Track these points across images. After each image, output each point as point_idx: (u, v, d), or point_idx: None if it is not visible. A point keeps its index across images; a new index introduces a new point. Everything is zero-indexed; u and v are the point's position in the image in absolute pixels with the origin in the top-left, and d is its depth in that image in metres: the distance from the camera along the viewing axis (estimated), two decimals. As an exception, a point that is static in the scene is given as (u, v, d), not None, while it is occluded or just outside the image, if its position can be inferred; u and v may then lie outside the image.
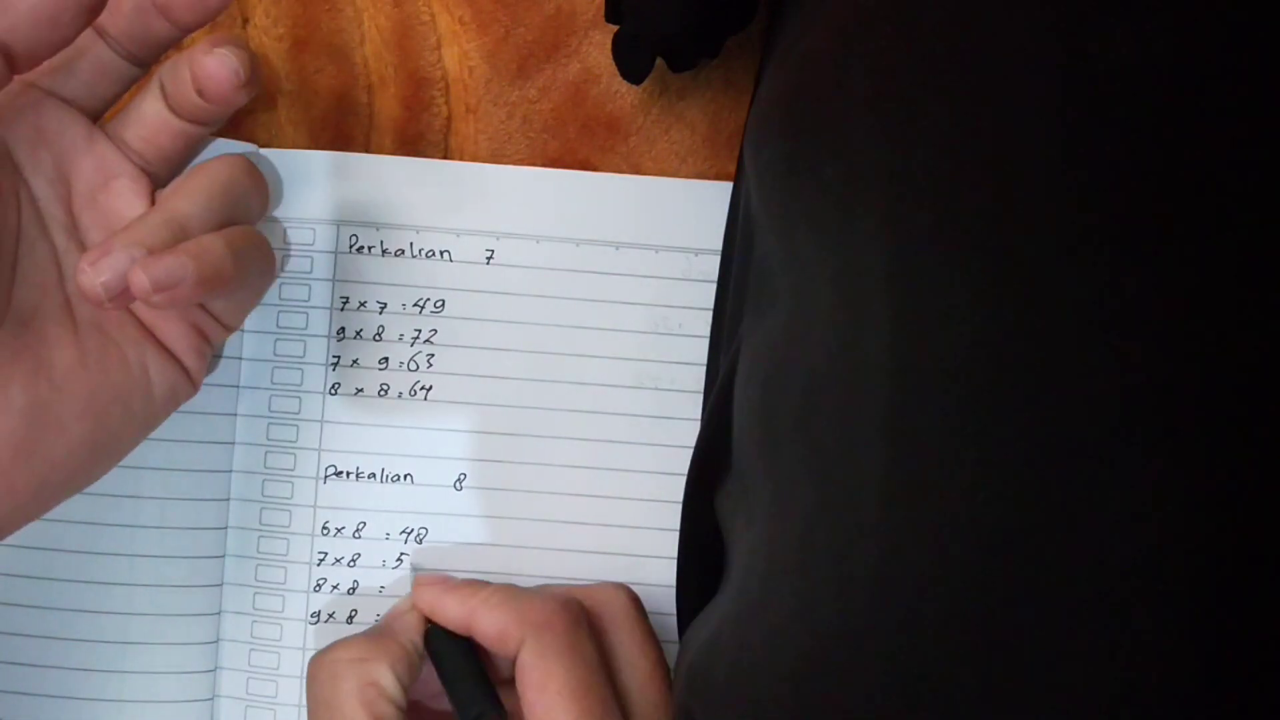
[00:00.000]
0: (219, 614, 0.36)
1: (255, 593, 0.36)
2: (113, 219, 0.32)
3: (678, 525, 0.34)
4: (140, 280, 0.27)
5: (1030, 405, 0.21)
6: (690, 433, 0.35)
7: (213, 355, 0.34)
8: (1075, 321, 0.21)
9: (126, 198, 0.32)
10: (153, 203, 0.32)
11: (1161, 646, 0.20)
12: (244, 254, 0.30)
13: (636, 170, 0.37)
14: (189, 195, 0.30)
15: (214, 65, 0.31)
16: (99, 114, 0.33)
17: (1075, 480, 0.21)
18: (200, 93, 0.31)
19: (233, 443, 0.36)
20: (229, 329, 0.33)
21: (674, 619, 0.34)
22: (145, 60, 0.32)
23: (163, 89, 0.32)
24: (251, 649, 0.36)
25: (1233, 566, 0.20)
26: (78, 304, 0.31)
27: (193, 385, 0.33)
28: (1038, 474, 0.21)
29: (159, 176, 0.33)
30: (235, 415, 0.36)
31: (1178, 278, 0.21)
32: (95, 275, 0.28)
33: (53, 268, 0.31)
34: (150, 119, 0.32)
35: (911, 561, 0.22)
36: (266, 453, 0.36)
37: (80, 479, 0.31)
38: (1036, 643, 0.21)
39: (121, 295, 0.28)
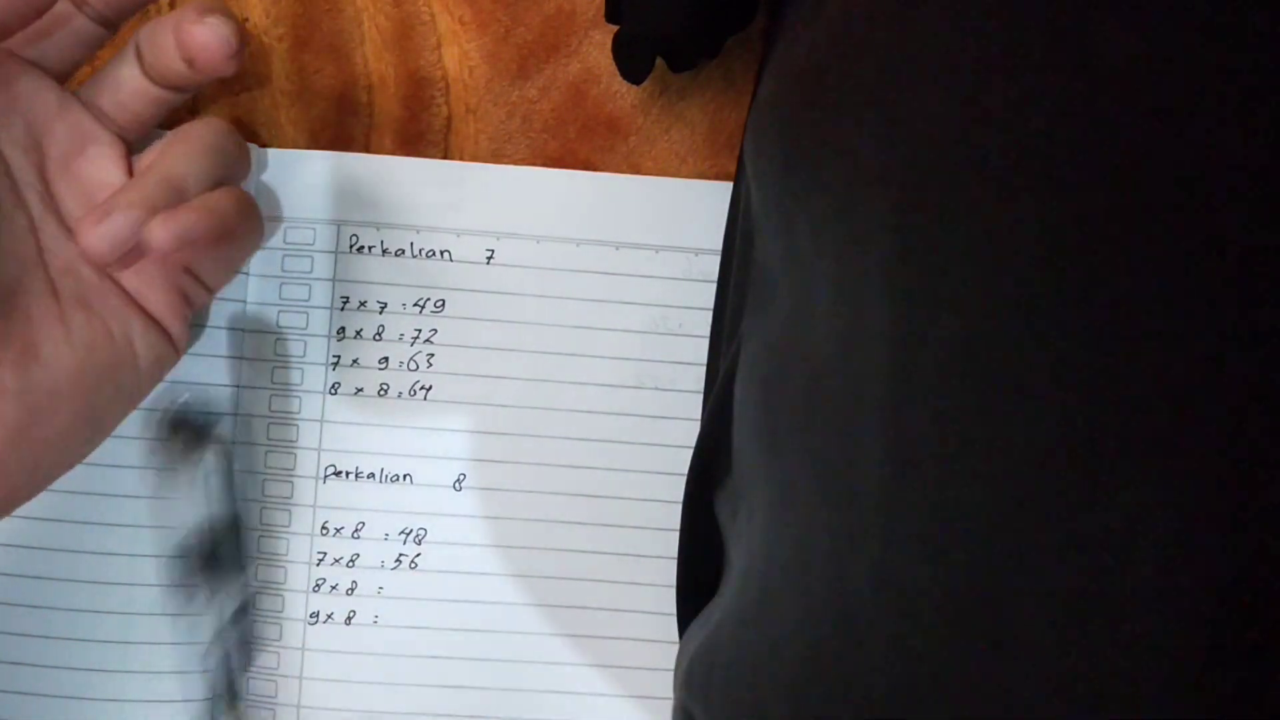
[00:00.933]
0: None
1: (255, 592, 0.36)
2: (90, 187, 0.31)
3: (678, 525, 0.34)
4: (161, 235, 0.27)
5: (1031, 405, 0.21)
6: (690, 433, 0.35)
7: (193, 321, 0.34)
8: (1077, 322, 0.21)
9: (103, 164, 0.31)
10: (129, 168, 0.32)
11: (1164, 647, 0.20)
12: (243, 212, 0.31)
13: (636, 170, 0.36)
14: (182, 157, 0.30)
15: (205, 35, 0.30)
16: (66, 78, 0.32)
17: (1077, 481, 0.21)
18: (190, 62, 0.31)
19: (233, 443, 0.36)
20: (212, 291, 0.34)
21: (674, 619, 0.34)
22: (115, 23, 0.32)
23: (139, 55, 0.32)
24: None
25: (1236, 566, 0.20)
26: (59, 278, 0.30)
27: (177, 352, 0.33)
28: (1039, 475, 0.21)
29: (132, 143, 0.33)
30: (235, 415, 0.36)
31: (1180, 278, 0.21)
32: (104, 231, 0.28)
33: (30, 240, 0.30)
34: (126, 85, 0.32)
35: (912, 563, 0.22)
36: (266, 452, 0.36)
37: (72, 457, 0.31)
38: (1038, 645, 0.21)
39: (132, 253, 0.28)
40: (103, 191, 0.31)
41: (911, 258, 0.23)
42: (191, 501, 0.31)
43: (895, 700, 0.22)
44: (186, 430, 0.33)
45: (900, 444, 0.22)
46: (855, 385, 0.24)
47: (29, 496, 0.30)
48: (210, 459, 0.32)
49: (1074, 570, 0.21)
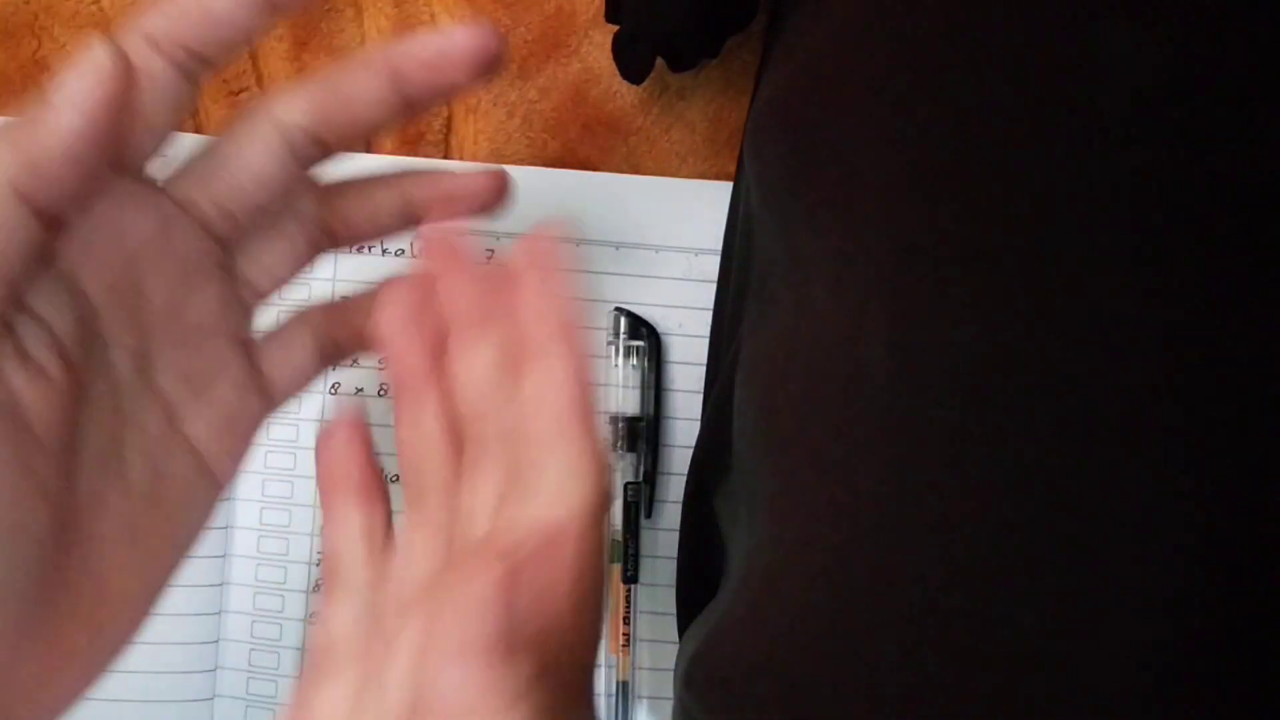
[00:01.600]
0: (219, 614, 0.36)
1: (256, 592, 0.36)
2: (194, 337, 0.23)
3: (678, 525, 0.34)
4: None
5: (1030, 405, 0.21)
6: (690, 433, 0.35)
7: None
8: (1075, 322, 0.21)
9: (210, 302, 0.23)
10: (239, 297, 0.24)
11: (1163, 643, 0.20)
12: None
13: (636, 170, 0.37)
14: None
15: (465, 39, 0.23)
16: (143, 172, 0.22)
17: (1076, 480, 0.21)
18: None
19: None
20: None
21: (674, 619, 0.34)
22: (212, 66, 0.22)
23: (280, 124, 0.23)
24: (252, 649, 0.36)
25: (1234, 566, 0.20)
26: (134, 473, 0.22)
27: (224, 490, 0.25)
28: (1038, 473, 0.21)
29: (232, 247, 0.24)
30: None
31: (1177, 278, 0.21)
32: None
33: (115, 428, 0.22)
34: (256, 167, 0.23)
35: (912, 562, 0.22)
36: (266, 452, 0.36)
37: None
38: (1037, 643, 0.21)
39: None
40: (209, 341, 0.23)
41: (911, 258, 0.23)
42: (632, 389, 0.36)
43: (895, 701, 0.22)
44: (631, 320, 0.36)
45: (900, 444, 0.22)
46: (855, 385, 0.24)
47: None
48: (645, 357, 0.36)
49: (1075, 570, 0.21)
